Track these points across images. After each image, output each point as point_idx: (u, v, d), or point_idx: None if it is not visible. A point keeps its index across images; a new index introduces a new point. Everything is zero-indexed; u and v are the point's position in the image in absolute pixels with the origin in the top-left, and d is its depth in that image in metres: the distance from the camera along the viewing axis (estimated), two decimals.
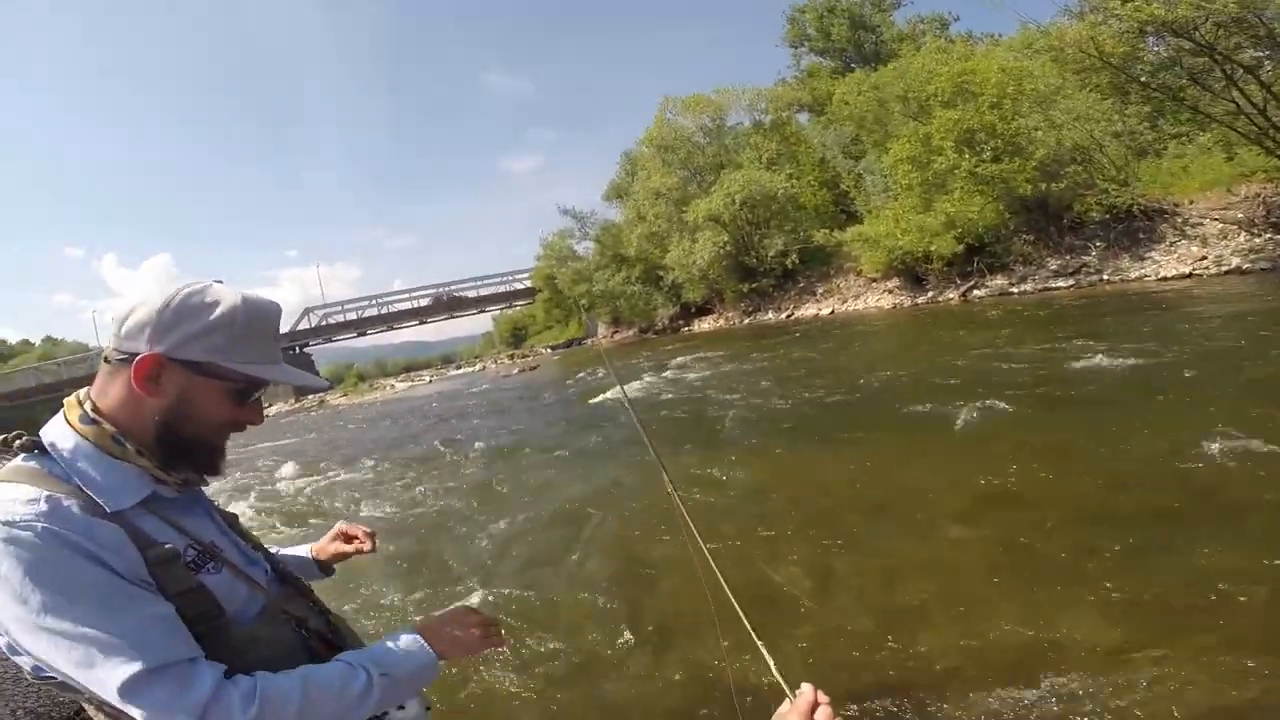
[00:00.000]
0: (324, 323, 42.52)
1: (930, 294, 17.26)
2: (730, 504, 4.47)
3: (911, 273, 17.90)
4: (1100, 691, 2.08)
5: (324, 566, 1.31)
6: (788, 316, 22.31)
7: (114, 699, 0.72)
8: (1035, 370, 6.67)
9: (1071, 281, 14.37)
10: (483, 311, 47.52)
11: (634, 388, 11.21)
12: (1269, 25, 10.86)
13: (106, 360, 0.85)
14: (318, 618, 1.01)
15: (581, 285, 32.61)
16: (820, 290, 22.56)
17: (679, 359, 14.68)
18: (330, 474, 8.35)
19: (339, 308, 43.68)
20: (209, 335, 0.83)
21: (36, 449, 0.82)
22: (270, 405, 30.89)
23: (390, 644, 0.90)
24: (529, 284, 41.75)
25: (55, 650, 0.71)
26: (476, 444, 8.76)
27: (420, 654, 0.90)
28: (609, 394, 11.03)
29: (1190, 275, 12.25)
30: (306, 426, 17.61)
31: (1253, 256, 11.75)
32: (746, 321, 24.37)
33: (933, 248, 16.33)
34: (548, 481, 6.18)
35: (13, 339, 56.59)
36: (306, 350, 41.79)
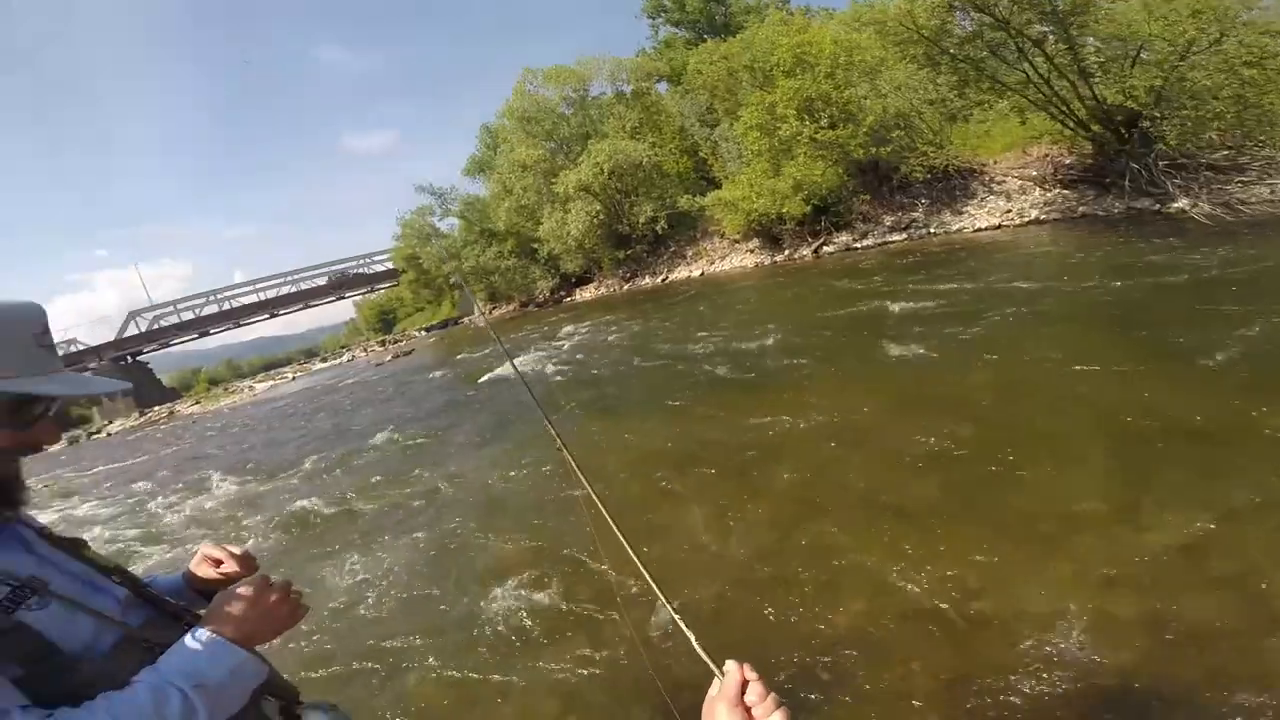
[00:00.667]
0: (155, 326, 37.66)
1: (787, 252, 18.71)
2: (624, 463, 4.82)
3: (769, 233, 19.22)
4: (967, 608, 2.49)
5: (203, 593, 1.09)
6: (663, 280, 23.16)
7: None
8: (878, 316, 7.71)
9: (905, 235, 16.24)
10: (342, 298, 44.27)
11: (523, 361, 11.24)
12: (1053, 2, 12.63)
13: None
14: None
15: (450, 263, 31.44)
16: (690, 253, 23.56)
17: (565, 329, 14.94)
18: (194, 492, 7.76)
19: (171, 308, 38.92)
20: None
21: None
22: (108, 421, 27.24)
23: (189, 649, 0.81)
24: (390, 266, 39.49)
25: None
26: (358, 439, 8.48)
27: (225, 652, 0.82)
28: (497, 370, 11.03)
29: (999, 226, 14.31)
30: (160, 441, 15.93)
31: (1047, 209, 13.86)
32: (626, 288, 24.95)
33: (784, 209, 17.63)
34: (440, 464, 6.16)
35: None
36: (141, 359, 36.92)
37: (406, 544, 4.37)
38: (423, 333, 34.91)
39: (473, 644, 3.00)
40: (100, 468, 12.30)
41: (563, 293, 29.02)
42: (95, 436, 24.44)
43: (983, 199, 15.84)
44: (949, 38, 14.75)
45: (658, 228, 23.95)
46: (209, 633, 0.82)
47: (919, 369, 5.37)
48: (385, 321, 48.16)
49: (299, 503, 6.04)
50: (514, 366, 2.50)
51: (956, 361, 5.32)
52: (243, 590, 0.88)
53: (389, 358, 23.68)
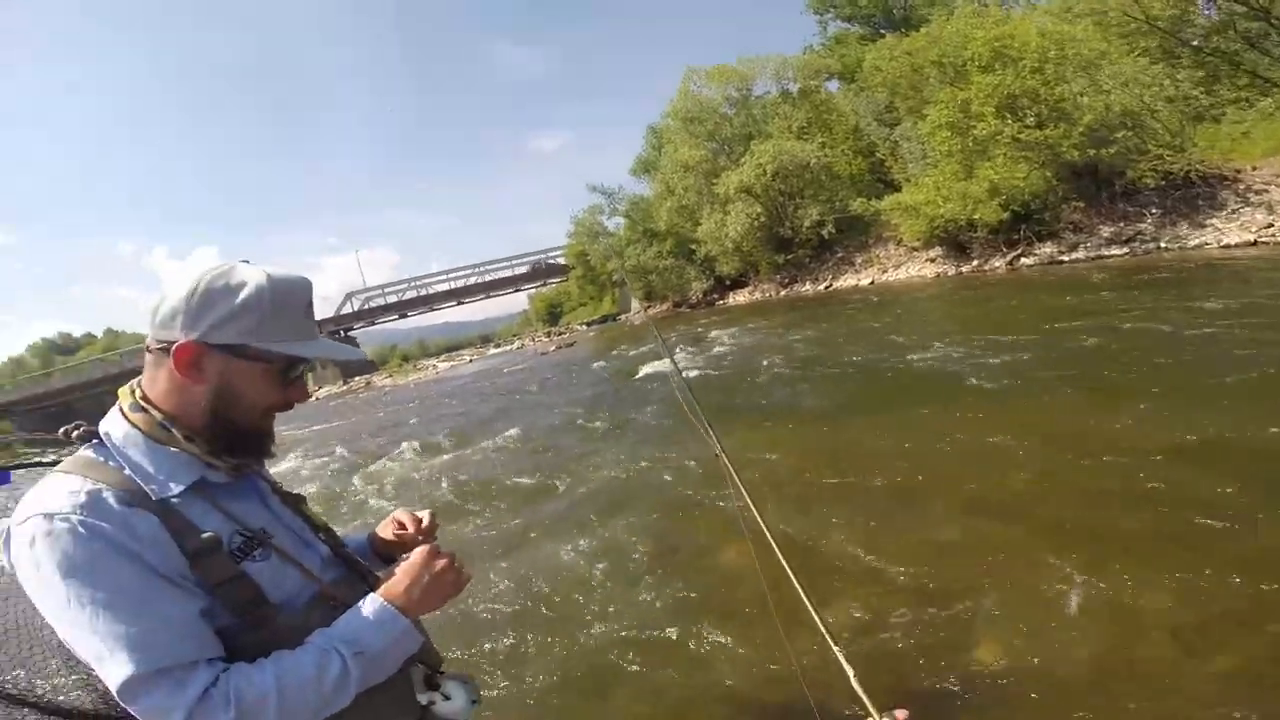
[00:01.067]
0: (366, 306, 43.67)
1: (975, 263, 16.87)
2: (781, 476, 4.54)
3: (955, 241, 17.48)
4: (1175, 684, 1.98)
5: (382, 555, 1.19)
6: (826, 288, 22.05)
7: (116, 696, 0.73)
8: (1094, 342, 6.55)
9: (1126, 249, 13.88)
10: (519, 290, 48.06)
11: (677, 359, 11.16)
12: None
13: (149, 350, 0.86)
14: None
15: (614, 261, 32.69)
16: (859, 260, 22.19)
17: (715, 332, 14.76)
18: (381, 455, 8.58)
19: (379, 291, 44.81)
20: (239, 318, 0.83)
21: (94, 439, 0.85)
22: (319, 388, 31.90)
23: (360, 616, 0.85)
24: (563, 261, 41.99)
25: (76, 640, 0.74)
26: (521, 420, 8.95)
27: (392, 621, 0.86)
28: (650, 367, 11.19)
29: (1255, 243, 11.73)
30: (355, 409, 18.16)
31: None
32: (783, 294, 24.16)
33: (976, 215, 15.90)
34: (596, 455, 6.28)
35: (77, 333, 59.37)
36: (351, 334, 43.13)
37: (554, 529, 4.44)
38: (584, 327, 36.68)
39: (606, 639, 2.94)
40: (312, 429, 14.23)
41: (715, 295, 28.89)
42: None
43: (1234, 210, 13.06)
44: (1190, 28, 12.35)
45: (824, 232, 22.85)
46: (381, 601, 0.87)
47: (1142, 403, 4.42)
48: (553, 314, 51.36)
49: (461, 475, 6.47)
50: (673, 364, 2.58)
51: (1196, 401, 4.30)
52: (414, 560, 0.92)
53: (553, 348, 25.14)
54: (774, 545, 1.30)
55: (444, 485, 6.31)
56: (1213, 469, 3.31)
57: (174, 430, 0.84)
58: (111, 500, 0.76)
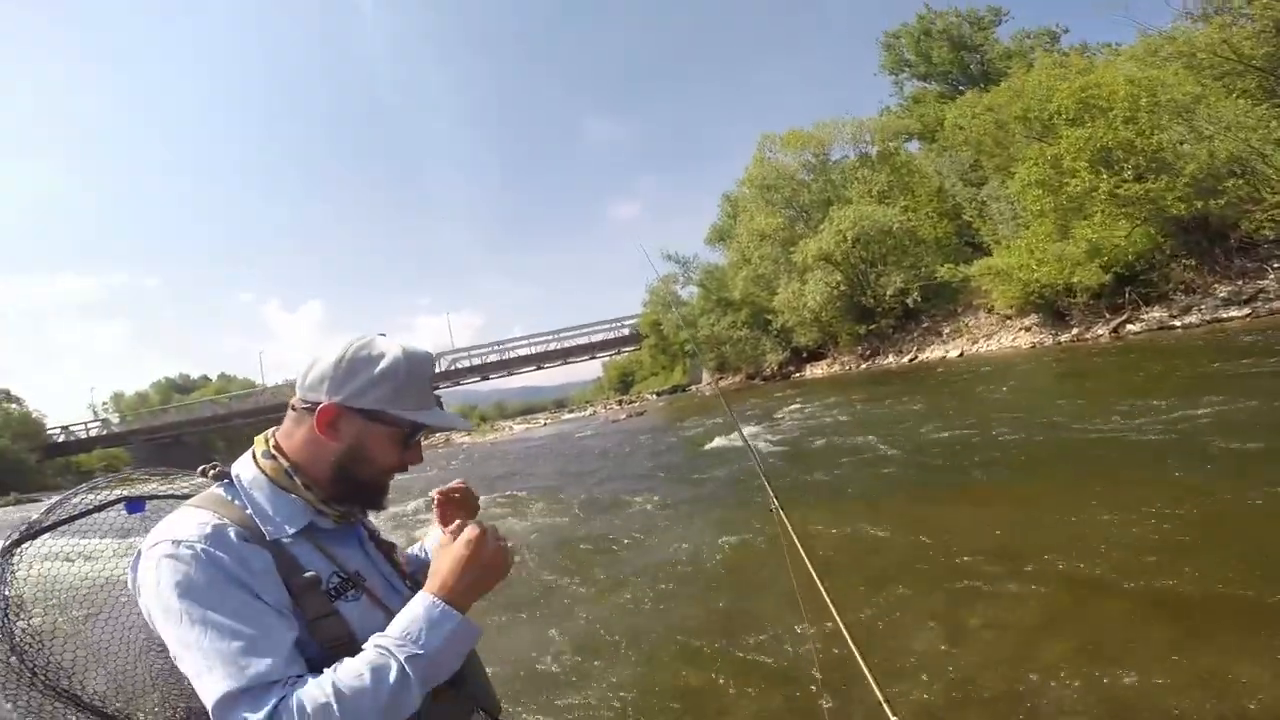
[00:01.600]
0: (453, 367, 45.76)
1: (1075, 330, 15.63)
2: (850, 556, 4.23)
3: (1052, 307, 16.35)
4: None
5: None
6: (910, 360, 20.99)
7: (210, 710, 0.77)
8: (1196, 422, 5.76)
9: (1247, 310, 12.47)
10: (594, 357, 49.02)
11: (746, 433, 10.95)
12: None
13: (293, 408, 0.97)
14: None
15: (686, 330, 32.79)
16: (947, 330, 21.12)
17: (790, 406, 14.24)
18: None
19: (465, 354, 46.86)
20: (378, 386, 0.93)
21: (226, 478, 0.95)
22: None
23: (411, 615, 0.86)
24: (637, 330, 42.67)
25: (183, 654, 0.79)
26: (590, 485, 8.95)
27: (445, 618, 0.86)
28: (719, 440, 10.92)
29: None
30: (433, 462, 18.89)
31: None
32: (864, 366, 23.24)
33: (1075, 279, 14.86)
34: (656, 521, 6.22)
35: (194, 374, 64.96)
36: (437, 393, 45.13)
37: (611, 595, 4.39)
38: (654, 396, 36.72)
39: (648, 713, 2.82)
40: (396, 478, 14.82)
41: (791, 367, 28.10)
42: None
43: None
44: None
45: (909, 300, 21.98)
46: (430, 597, 0.87)
47: (1250, 493, 3.77)
48: (625, 382, 51.81)
49: (530, 534, 6.59)
50: (742, 436, 2.52)
51: None
52: (452, 545, 0.92)
53: (624, 416, 25.20)
54: (830, 606, 1.29)
55: (517, 542, 6.29)
56: None
57: (296, 478, 0.93)
58: (232, 535, 0.85)
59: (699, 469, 9.02)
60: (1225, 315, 12.73)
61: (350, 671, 0.80)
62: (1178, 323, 13.40)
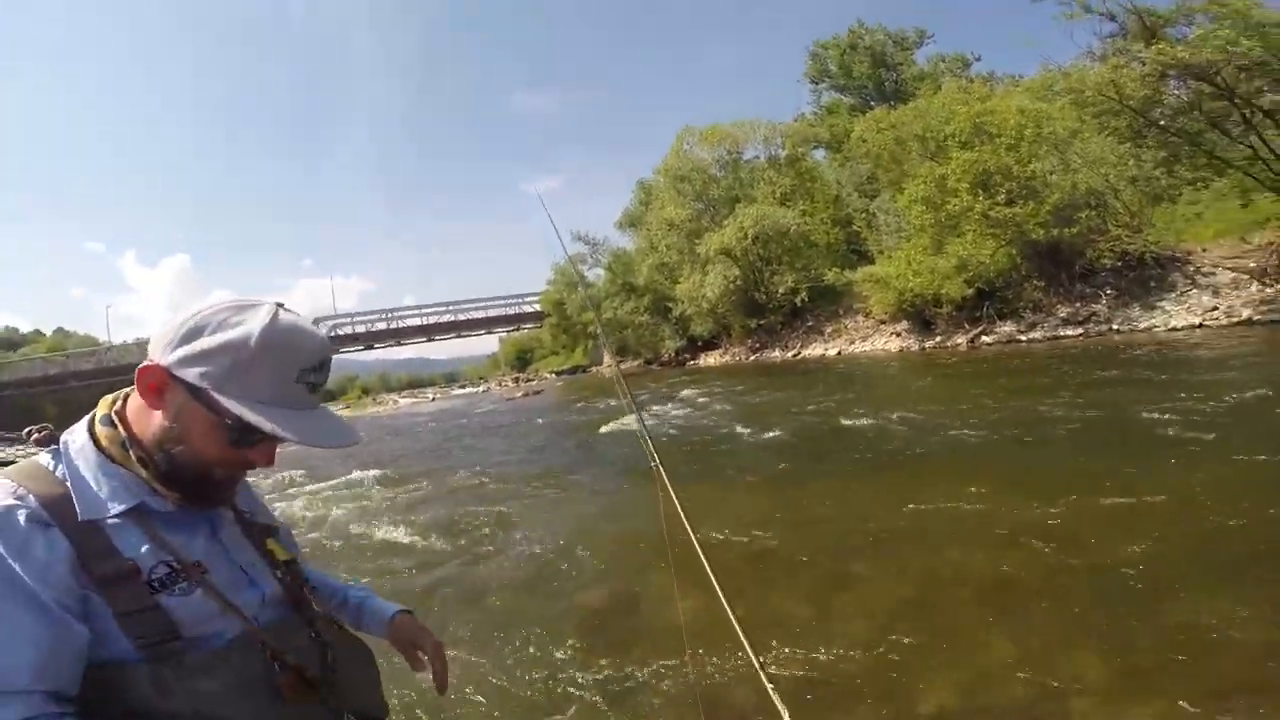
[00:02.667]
0: (333, 334, 42.72)
1: (938, 339, 17.21)
2: (734, 532, 4.39)
3: (920, 316, 17.86)
4: None
5: (393, 641, 1.15)
6: (794, 355, 22.23)
7: None
8: (1037, 420, 6.57)
9: (1080, 330, 14.31)
10: (490, 332, 47.68)
11: (644, 416, 11.14)
12: None
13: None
14: (307, 652, 0.91)
15: (590, 313, 32.73)
16: (828, 330, 22.53)
17: (685, 391, 14.61)
18: (326, 489, 8.27)
19: (348, 320, 43.95)
20: (210, 359, 0.76)
21: (54, 444, 0.83)
22: None
23: None
24: (538, 308, 41.95)
25: None
26: (478, 465, 8.73)
27: None
28: (618, 422, 11.01)
29: (1200, 326, 12.16)
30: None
31: (1264, 308, 11.63)
32: (753, 358, 24.30)
33: (943, 290, 16.33)
34: (547, 497, 6.21)
35: (25, 328, 56.68)
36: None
37: (499, 565, 4.42)
38: (553, 375, 36.37)
39: (519, 686, 2.84)
40: None
41: (686, 355, 28.99)
42: None
43: (1183, 292, 13.62)
44: (1159, 108, 13.16)
45: (797, 299, 23.27)
46: None
47: (1078, 479, 4.38)
48: (522, 360, 50.79)
49: (410, 507, 6.42)
50: (638, 416, 2.45)
51: (1121, 480, 4.26)
52: None
53: (520, 394, 24.74)
54: (703, 559, 1.39)
55: (391, 519, 6.17)
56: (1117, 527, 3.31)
57: (131, 451, 0.81)
58: (21, 517, 0.74)
59: (594, 450, 9.08)
60: (1063, 334, 14.51)
61: None
62: (1023, 337, 15.12)
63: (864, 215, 23.97)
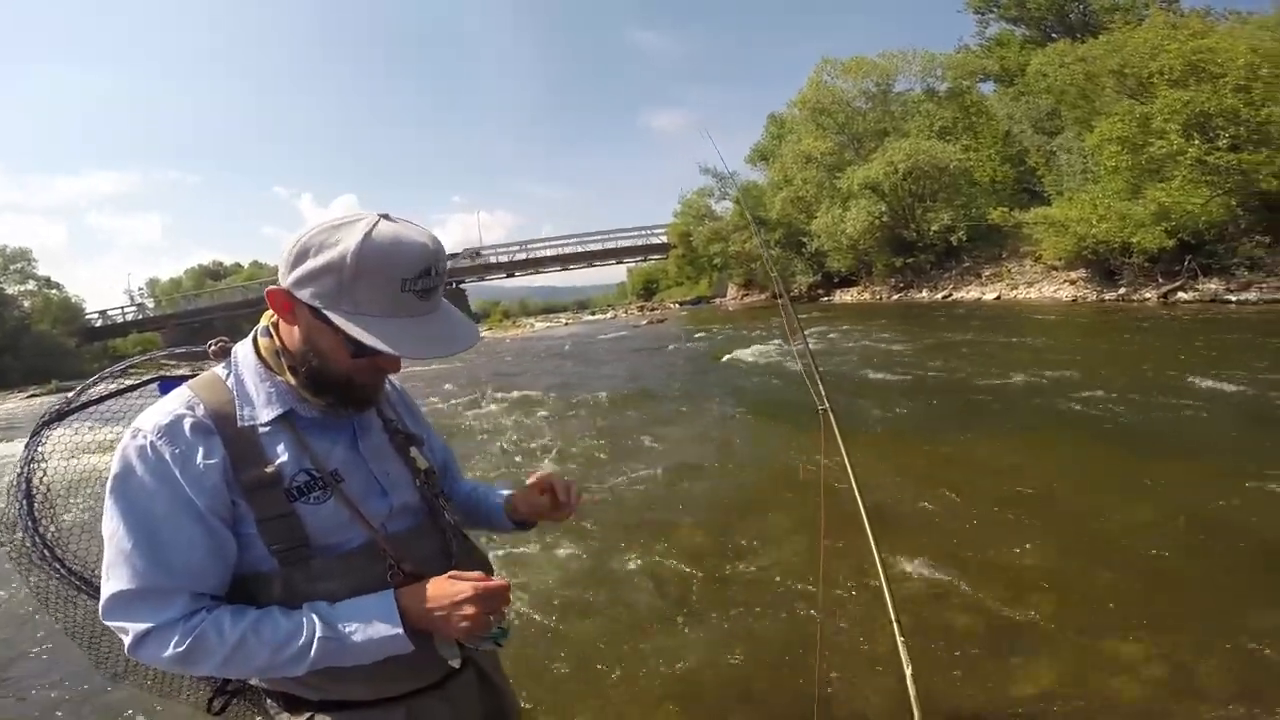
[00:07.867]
0: (479, 263, 45.89)
1: (1122, 290, 15.14)
2: (883, 481, 4.20)
3: (1103, 265, 15.75)
4: None
5: (518, 520, 1.14)
6: (944, 297, 20.65)
7: (100, 609, 0.78)
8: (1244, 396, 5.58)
9: None
10: (620, 262, 48.62)
11: (767, 350, 11.12)
12: None
13: None
14: (429, 561, 0.93)
15: (717, 244, 32.15)
16: (986, 273, 20.55)
17: (818, 328, 14.17)
18: (475, 401, 8.91)
19: (492, 250, 46.84)
20: (317, 279, 0.77)
21: (228, 355, 0.91)
22: None
23: (363, 605, 0.83)
24: (665, 239, 41.86)
25: (105, 548, 0.79)
26: (605, 384, 9.20)
27: (385, 626, 0.82)
28: (736, 352, 11.07)
29: None
30: (456, 355, 19.15)
31: None
32: (895, 298, 22.89)
33: (1134, 239, 14.23)
34: (680, 419, 6.41)
35: (228, 261, 65.42)
36: (462, 287, 45.75)
37: (634, 485, 4.50)
38: (677, 305, 36.56)
39: (638, 618, 2.89)
40: (411, 368, 15.13)
41: (820, 291, 27.89)
42: None
43: None
44: None
45: (953, 239, 21.34)
46: (393, 603, 0.83)
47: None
48: (648, 289, 51.33)
49: (544, 426, 6.77)
50: (803, 338, 2.26)
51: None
52: (450, 586, 0.85)
53: (644, 322, 25.26)
54: (863, 509, 1.31)
55: (531, 437, 6.52)
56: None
57: (283, 359, 0.86)
58: (187, 427, 0.80)
59: (719, 377, 9.17)
60: None
61: (272, 623, 0.79)
62: (1233, 298, 12.89)
63: (1041, 153, 21.10)
